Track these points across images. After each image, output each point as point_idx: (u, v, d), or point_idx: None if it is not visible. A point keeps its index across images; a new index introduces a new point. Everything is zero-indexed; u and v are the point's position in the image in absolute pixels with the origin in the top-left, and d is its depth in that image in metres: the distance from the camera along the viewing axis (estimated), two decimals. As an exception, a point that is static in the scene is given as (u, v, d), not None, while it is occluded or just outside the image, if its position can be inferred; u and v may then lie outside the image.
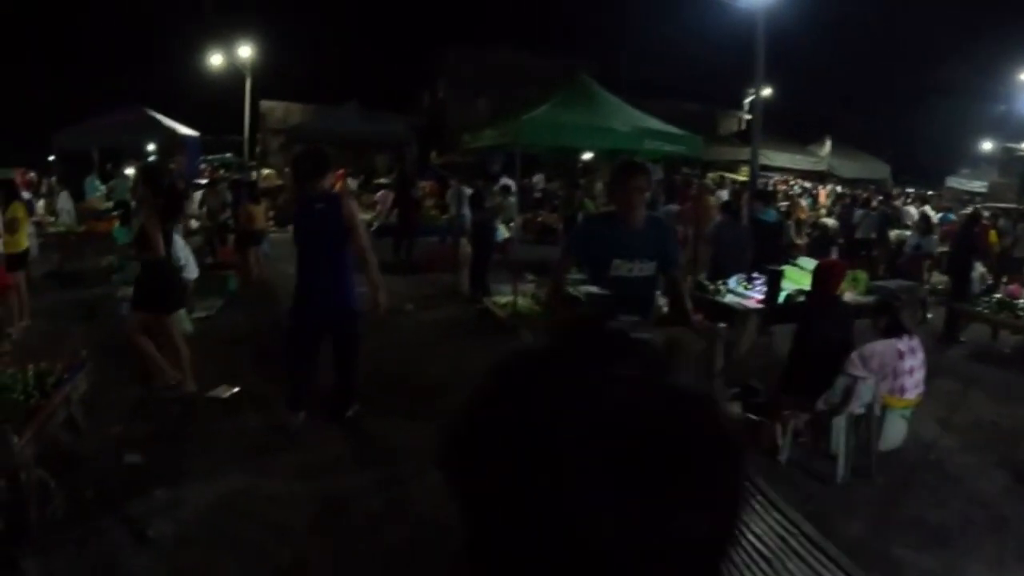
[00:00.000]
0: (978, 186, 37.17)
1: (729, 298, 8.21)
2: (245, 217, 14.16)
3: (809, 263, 9.82)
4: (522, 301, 11.59)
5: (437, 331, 11.04)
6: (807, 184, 29.96)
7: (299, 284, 6.57)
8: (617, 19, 52.80)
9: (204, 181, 20.85)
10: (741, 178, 35.65)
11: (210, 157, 24.68)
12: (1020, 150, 41.31)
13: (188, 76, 38.14)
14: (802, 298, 7.83)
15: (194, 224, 15.48)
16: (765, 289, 8.17)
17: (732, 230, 10.93)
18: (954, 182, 39.74)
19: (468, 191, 14.27)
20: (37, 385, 5.03)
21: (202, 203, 16.46)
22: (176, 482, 5.67)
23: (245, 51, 33.61)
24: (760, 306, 8.08)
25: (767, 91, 41.32)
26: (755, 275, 8.70)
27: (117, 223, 14.77)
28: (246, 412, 7.28)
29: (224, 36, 34.57)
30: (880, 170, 28.43)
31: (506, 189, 14.60)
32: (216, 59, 35.01)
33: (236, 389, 7.81)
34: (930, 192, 30.80)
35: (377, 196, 27.36)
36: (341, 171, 30.79)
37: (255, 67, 33.95)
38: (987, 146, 47.18)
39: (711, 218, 11.82)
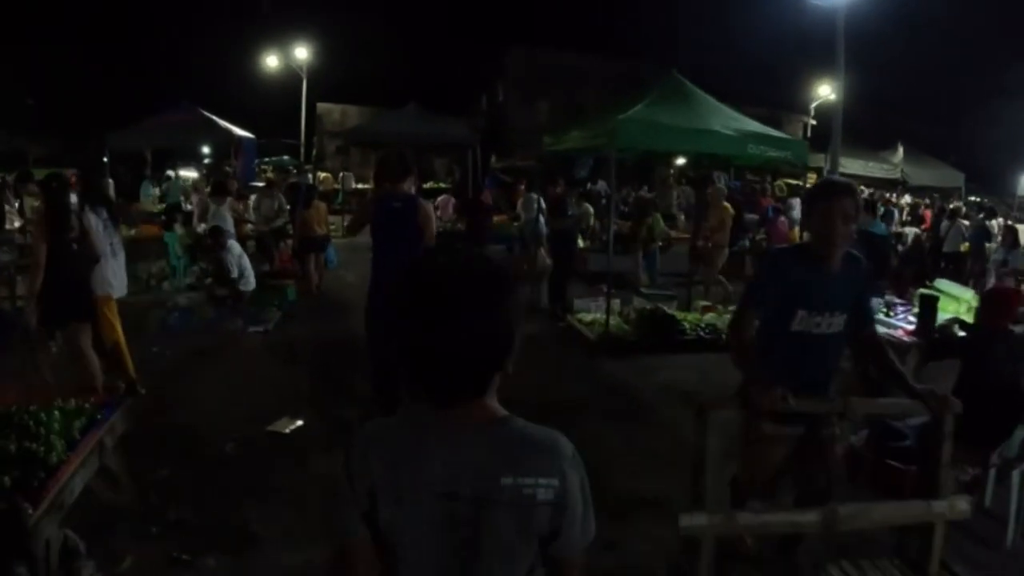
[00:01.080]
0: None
1: (879, 329, 6.95)
2: (300, 223, 13.22)
3: (950, 286, 8.68)
4: (612, 320, 10.56)
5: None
6: (886, 193, 28.69)
7: (374, 279, 6.54)
8: (679, 20, 51.39)
9: (260, 184, 19.87)
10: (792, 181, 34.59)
11: (266, 159, 23.79)
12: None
13: (244, 77, 37.90)
14: (961, 330, 6.61)
15: (249, 228, 14.58)
16: (914, 318, 6.94)
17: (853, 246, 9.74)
18: (1024, 190, 38.20)
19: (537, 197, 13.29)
20: (63, 430, 4.01)
21: (256, 207, 15.49)
22: (233, 547, 4.67)
23: (301, 52, 33.23)
24: (915, 339, 6.83)
25: (832, 95, 40.42)
26: (895, 300, 7.48)
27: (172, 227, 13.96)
28: (313, 452, 6.22)
29: (281, 37, 34.22)
30: (953, 178, 27.01)
31: (591, 196, 13.49)
32: (272, 60, 34.72)
33: (299, 423, 6.79)
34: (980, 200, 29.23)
35: (437, 201, 26.63)
36: None
37: (311, 69, 33.50)
38: None
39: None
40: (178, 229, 13.77)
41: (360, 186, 30.08)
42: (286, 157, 27.19)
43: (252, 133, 23.09)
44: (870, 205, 13.44)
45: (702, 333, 10.55)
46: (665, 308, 11.10)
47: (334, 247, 14.98)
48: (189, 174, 25.37)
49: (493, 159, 34.03)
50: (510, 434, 1.75)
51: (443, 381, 1.70)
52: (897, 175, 25.24)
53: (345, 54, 40.35)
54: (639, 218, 13.09)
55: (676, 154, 15.07)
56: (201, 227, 13.83)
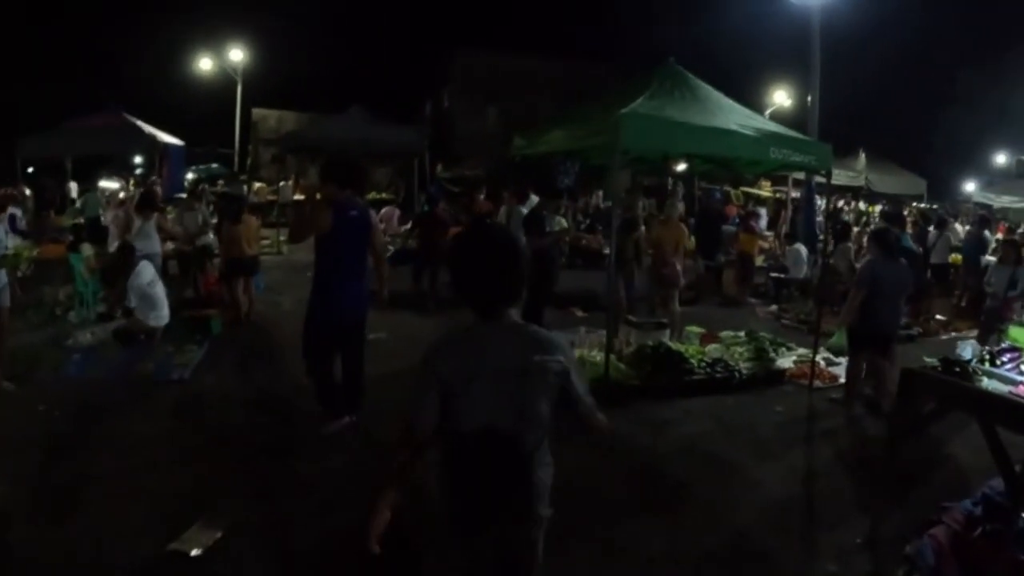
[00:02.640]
0: (1009, 200, 34.71)
1: (993, 384, 5.19)
2: (228, 240, 11.30)
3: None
4: (598, 356, 8.82)
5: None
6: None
7: (323, 286, 6.65)
8: (634, 22, 50.15)
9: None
10: (764, 194, 33.31)
11: (193, 168, 21.64)
12: (1039, 163, 39.53)
13: (176, 81, 36.06)
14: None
15: (169, 247, 12.58)
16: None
17: (891, 268, 8.20)
18: (981, 196, 37.41)
19: (524, 211, 11.68)
20: None
21: (179, 222, 13.46)
22: None
23: (236, 54, 31.27)
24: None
25: (788, 102, 39.45)
26: (1002, 346, 5.74)
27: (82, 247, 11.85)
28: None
29: (215, 37, 32.32)
30: (916, 184, 26.41)
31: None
32: (206, 63, 32.74)
33: (218, 534, 4.79)
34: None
35: (381, 213, 24.72)
36: None
37: (247, 72, 31.69)
38: (1001, 159, 45.81)
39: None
40: (85, 249, 11.65)
41: (299, 197, 28.00)
42: (214, 165, 25.02)
43: (184, 140, 21.18)
44: (897, 218, 11.95)
45: (714, 371, 8.88)
46: (666, 342, 9.38)
47: (262, 275, 12.95)
48: (111, 185, 23.16)
49: (439, 168, 32.33)
50: (532, 333, 2.89)
51: (495, 301, 2.84)
52: (861, 182, 24.36)
53: (283, 57, 38.81)
54: (627, 233, 11.35)
55: (677, 158, 13.20)
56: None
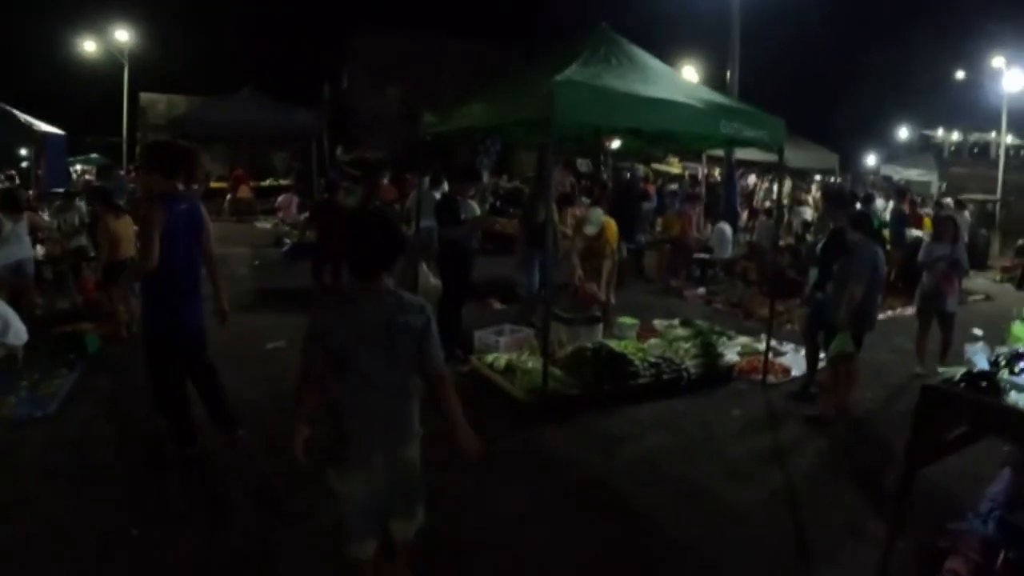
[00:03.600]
0: (916, 174, 35.03)
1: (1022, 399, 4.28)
2: (106, 240, 9.83)
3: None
4: (531, 363, 7.83)
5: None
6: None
7: (156, 298, 5.69)
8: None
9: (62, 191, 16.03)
10: (675, 171, 32.55)
11: (70, 159, 19.87)
12: (937, 138, 40.19)
13: (56, 65, 33.85)
14: None
15: (39, 252, 11.16)
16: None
17: (879, 253, 7.51)
18: (889, 169, 37.75)
19: (437, 196, 10.86)
20: None
21: (56, 223, 12.01)
22: None
23: (122, 35, 29.33)
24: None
25: (696, 78, 38.98)
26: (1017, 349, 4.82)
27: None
28: None
29: (98, 17, 30.26)
30: (829, 159, 26.37)
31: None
32: (89, 45, 30.69)
33: None
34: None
35: (279, 201, 23.41)
36: (239, 171, 26.52)
37: (134, 54, 29.73)
38: (903, 133, 46.55)
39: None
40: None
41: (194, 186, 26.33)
42: (94, 155, 23.12)
43: (69, 130, 19.49)
44: (842, 196, 11.36)
45: (660, 372, 7.98)
46: (605, 342, 8.40)
47: None
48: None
49: (339, 151, 30.98)
50: (399, 295, 3.43)
51: (370, 266, 3.37)
52: (775, 157, 23.66)
53: (173, 38, 36.81)
54: (561, 209, 10.51)
55: (611, 135, 12.00)
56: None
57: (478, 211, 10.92)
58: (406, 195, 15.53)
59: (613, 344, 8.25)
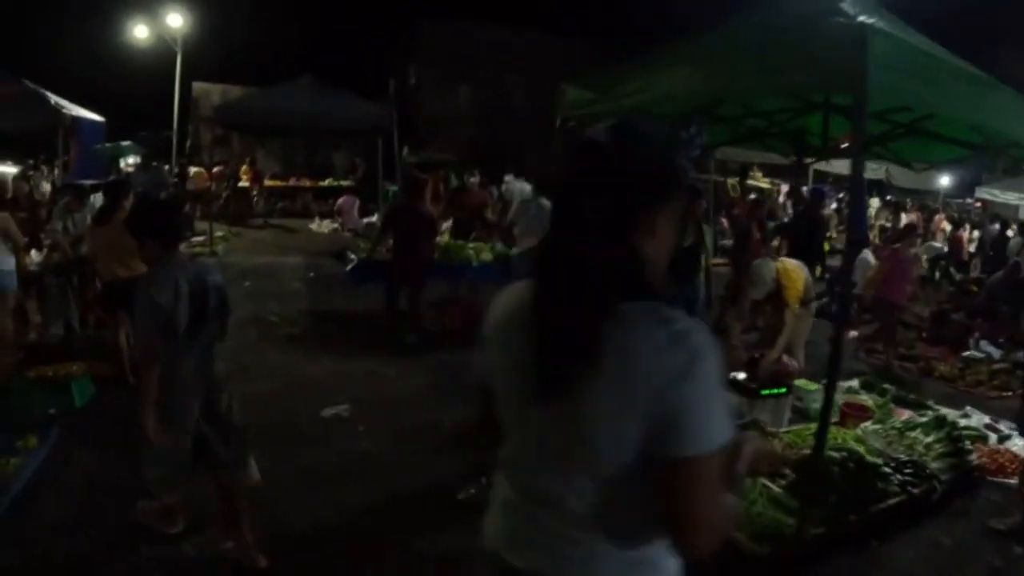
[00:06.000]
0: (1016, 198, 31.60)
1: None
2: (102, 252, 7.35)
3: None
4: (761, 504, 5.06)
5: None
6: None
7: None
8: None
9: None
10: (764, 185, 29.05)
11: (96, 147, 17.57)
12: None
13: (102, 53, 32.39)
14: None
15: (33, 260, 8.72)
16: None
17: None
18: (985, 193, 34.42)
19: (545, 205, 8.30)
20: None
21: (62, 225, 9.53)
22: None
23: (175, 20, 27.51)
24: None
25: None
26: None
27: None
28: None
29: (149, 1, 28.50)
30: (931, 179, 23.60)
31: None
32: (140, 30, 28.95)
33: None
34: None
35: (339, 203, 21.12)
36: (250, 168, 24.18)
37: (188, 41, 27.84)
38: None
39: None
40: None
41: (245, 183, 24.17)
42: (127, 143, 20.85)
43: (125, 124, 17.31)
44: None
45: (908, 484, 5.29)
46: (850, 444, 5.64)
47: None
48: (7, 169, 19.13)
49: (405, 151, 28.61)
50: (201, 261, 4.66)
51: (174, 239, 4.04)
52: (882, 175, 23.20)
53: (228, 25, 35.23)
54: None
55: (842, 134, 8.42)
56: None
57: (708, 243, 7.99)
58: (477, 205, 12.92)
59: (853, 443, 5.50)
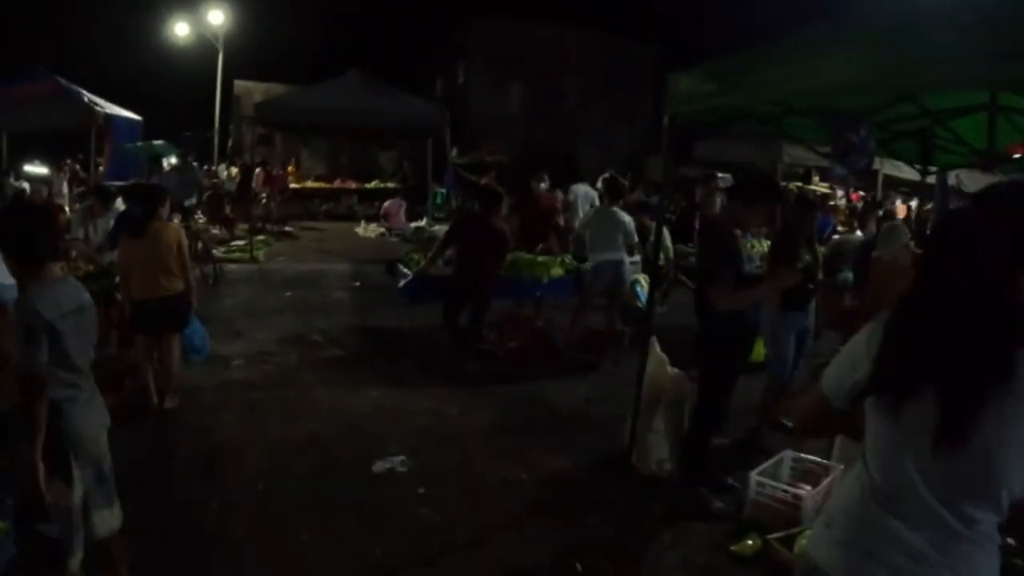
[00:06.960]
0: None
1: None
2: (129, 266, 6.42)
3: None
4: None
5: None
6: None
7: None
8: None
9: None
10: (823, 189, 27.76)
11: (127, 145, 16.67)
12: None
13: (145, 50, 32.21)
14: None
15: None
16: None
17: None
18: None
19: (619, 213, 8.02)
20: None
21: (82, 232, 8.59)
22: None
23: (216, 18, 26.98)
24: None
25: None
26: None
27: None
28: None
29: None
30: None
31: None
32: (181, 28, 28.56)
33: None
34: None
35: (386, 206, 20.35)
36: (276, 170, 23.16)
37: (228, 39, 27.35)
38: None
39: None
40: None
41: (295, 184, 23.46)
42: (160, 142, 20.12)
43: (156, 121, 16.87)
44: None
45: None
46: None
47: (200, 319, 7.75)
48: (38, 170, 18.41)
49: (454, 152, 27.74)
50: (75, 281, 3.59)
51: (42, 258, 3.28)
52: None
53: (271, 23, 35.11)
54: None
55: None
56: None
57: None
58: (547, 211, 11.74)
59: None
